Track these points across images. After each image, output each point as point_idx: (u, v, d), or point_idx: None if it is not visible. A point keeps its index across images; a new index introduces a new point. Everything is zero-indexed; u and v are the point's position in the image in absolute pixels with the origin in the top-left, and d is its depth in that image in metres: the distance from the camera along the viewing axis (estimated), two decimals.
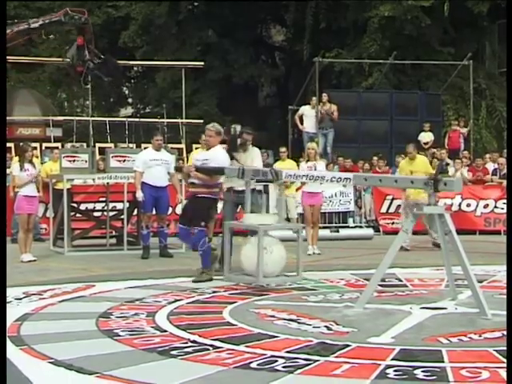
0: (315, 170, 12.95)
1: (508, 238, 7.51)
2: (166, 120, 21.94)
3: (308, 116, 20.31)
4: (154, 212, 12.86)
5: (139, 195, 12.57)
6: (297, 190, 15.46)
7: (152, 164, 12.68)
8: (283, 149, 17.43)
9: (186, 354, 5.79)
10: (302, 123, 20.40)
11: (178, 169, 12.12)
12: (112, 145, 19.92)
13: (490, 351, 5.77)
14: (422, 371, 5.21)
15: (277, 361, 5.52)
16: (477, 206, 17.25)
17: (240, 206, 10.88)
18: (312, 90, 22.09)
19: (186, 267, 11.08)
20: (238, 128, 11.07)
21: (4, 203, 11.65)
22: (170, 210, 15.21)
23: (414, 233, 12.87)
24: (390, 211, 17.48)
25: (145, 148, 14.89)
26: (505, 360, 5.43)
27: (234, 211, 10.97)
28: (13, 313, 6.41)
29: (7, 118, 20.12)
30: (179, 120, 22.36)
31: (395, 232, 12.17)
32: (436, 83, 25.14)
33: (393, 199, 17.45)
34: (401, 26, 24.38)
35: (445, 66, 24.15)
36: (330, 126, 20.15)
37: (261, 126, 30.54)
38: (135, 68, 32.89)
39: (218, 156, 9.74)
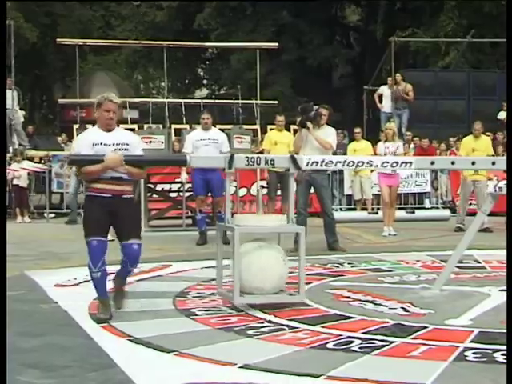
0: (396, 150, 12.91)
1: (508, 238, 7.32)
2: (240, 101, 21.96)
3: (386, 96, 20.18)
4: (208, 195, 12.25)
5: (182, 177, 12.33)
6: (372, 171, 15.36)
7: (199, 144, 11.88)
8: (358, 129, 17.34)
9: (262, 333, 5.82)
10: (380, 102, 20.29)
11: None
12: (187, 126, 20.05)
13: None
14: (502, 354, 5.12)
15: (353, 341, 5.51)
16: None
17: (313, 187, 10.87)
18: (387, 69, 21.88)
19: None
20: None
21: (4, 201, 11.67)
22: (245, 191, 15.33)
23: (492, 214, 12.76)
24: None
25: (221, 129, 14.72)
26: None
27: (307, 192, 10.95)
28: (92, 291, 6.53)
29: (86, 100, 20.58)
30: (254, 101, 22.36)
31: (472, 213, 12.01)
32: None
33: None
34: (479, 3, 23.89)
35: None
36: (404, 106, 19.96)
37: (336, 106, 30.33)
38: (210, 50, 33.04)
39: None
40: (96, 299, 6.56)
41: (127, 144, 6.49)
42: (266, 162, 6.98)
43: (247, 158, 6.97)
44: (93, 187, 6.37)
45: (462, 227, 13.15)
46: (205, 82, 36.61)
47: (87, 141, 6.39)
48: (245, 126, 18.59)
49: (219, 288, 7.21)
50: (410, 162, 7.14)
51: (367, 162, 7.33)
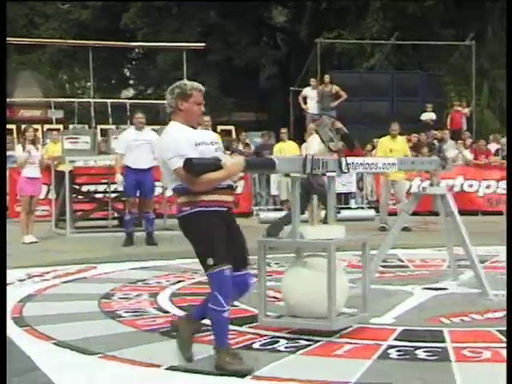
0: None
1: (508, 237, 7.51)
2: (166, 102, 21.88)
3: (310, 97, 20.31)
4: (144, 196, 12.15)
5: (117, 179, 12.04)
6: None
7: (133, 145, 11.78)
8: (284, 130, 17.46)
9: None
10: (305, 104, 20.42)
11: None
12: (114, 126, 19.89)
13: (492, 331, 5.77)
14: (424, 351, 5.22)
15: (279, 341, 5.54)
16: (479, 186, 17.24)
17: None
18: (313, 71, 22.06)
19: (187, 249, 11.10)
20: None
21: (4, 200, 11.55)
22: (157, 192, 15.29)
23: (415, 213, 12.94)
24: (391, 192, 17.44)
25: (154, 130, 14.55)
26: (505, 339, 5.45)
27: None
28: (15, 294, 6.44)
29: (8, 99, 20.19)
30: None
31: (397, 213, 12.19)
32: (438, 64, 25.10)
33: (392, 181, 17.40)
34: (403, 5, 24.28)
35: (446, 46, 24.09)
36: (331, 107, 20.13)
37: (262, 107, 30.56)
38: (136, 50, 32.82)
39: None
40: (218, 348, 5.00)
41: (217, 143, 5.26)
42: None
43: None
44: (205, 200, 4.93)
45: (386, 227, 13.35)
46: (131, 82, 36.34)
47: (188, 140, 4.97)
48: None
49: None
50: (394, 164, 7.12)
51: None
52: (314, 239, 5.78)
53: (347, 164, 6.16)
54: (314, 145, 11.10)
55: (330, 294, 5.50)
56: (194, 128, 5.12)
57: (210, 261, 4.90)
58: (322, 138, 8.66)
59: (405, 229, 12.79)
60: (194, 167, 4.82)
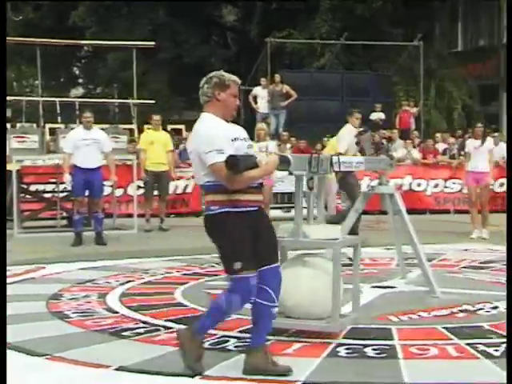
0: (266, 150, 12.99)
1: (508, 237, 7.62)
2: (116, 100, 21.75)
3: (261, 96, 20.33)
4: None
5: (66, 179, 11.92)
6: None
7: (81, 144, 11.66)
8: None
9: (138, 334, 5.79)
10: (255, 103, 20.44)
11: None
12: (62, 125, 19.69)
13: (439, 328, 5.85)
14: (373, 349, 5.27)
15: (228, 341, 5.54)
16: (427, 185, 17.42)
17: None
18: (264, 70, 22.10)
19: (136, 248, 11.07)
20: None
21: (4, 202, 11.34)
22: (122, 191, 15.22)
23: (365, 212, 13.09)
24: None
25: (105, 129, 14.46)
26: (453, 337, 5.53)
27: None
28: None
29: None
30: (130, 100, 22.17)
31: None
32: (387, 64, 25.31)
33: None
34: (352, 6, 24.44)
35: (395, 46, 24.31)
36: (281, 106, 20.21)
37: None
38: (86, 48, 32.52)
39: None
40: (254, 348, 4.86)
41: (249, 139, 5.05)
42: None
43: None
44: (237, 199, 4.72)
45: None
46: (80, 80, 36.01)
47: (225, 134, 4.75)
48: (121, 126, 18.41)
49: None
50: (362, 162, 7.05)
51: None
52: (318, 239, 5.70)
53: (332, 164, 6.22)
54: (342, 144, 11.34)
55: (335, 294, 5.45)
56: (227, 121, 4.91)
57: (238, 265, 4.68)
58: (363, 152, 9.04)
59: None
60: (239, 165, 4.58)
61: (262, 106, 20.28)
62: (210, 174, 4.70)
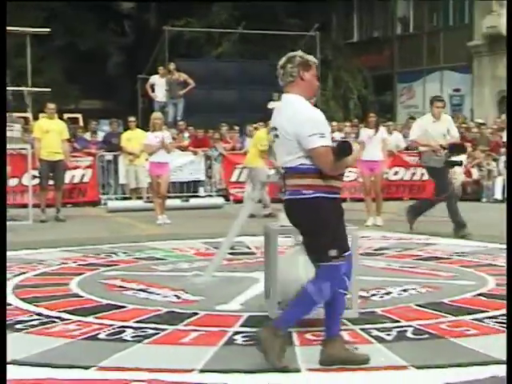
0: (163, 139, 12.93)
1: (508, 237, 7.74)
2: (10, 88, 21.18)
3: (158, 85, 20.20)
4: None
5: None
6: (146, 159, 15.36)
7: None
8: (132, 118, 17.33)
9: (32, 327, 5.67)
10: (153, 92, 20.29)
11: None
12: None
13: None
14: None
15: (125, 331, 5.48)
16: None
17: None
18: (162, 58, 21.95)
19: (31, 239, 10.85)
20: None
21: (4, 202, 10.84)
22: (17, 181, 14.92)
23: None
24: (240, 180, 17.66)
25: None
26: (348, 323, 5.61)
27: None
28: None
29: None
30: (24, 88, 21.67)
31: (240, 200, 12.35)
32: (284, 53, 25.47)
33: (243, 168, 17.63)
34: None
35: (293, 36, 24.51)
36: (179, 95, 20.12)
37: (110, 94, 30.13)
38: None
39: None
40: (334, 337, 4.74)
41: None
42: None
43: None
44: (331, 185, 4.59)
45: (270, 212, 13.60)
46: None
47: (323, 118, 4.68)
48: (15, 114, 18.00)
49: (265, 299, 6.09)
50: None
51: None
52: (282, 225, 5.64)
53: None
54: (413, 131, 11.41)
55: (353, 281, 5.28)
56: None
57: (334, 252, 4.53)
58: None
59: (269, 215, 13.24)
60: (347, 151, 4.51)
61: (160, 94, 20.16)
62: (305, 157, 4.56)
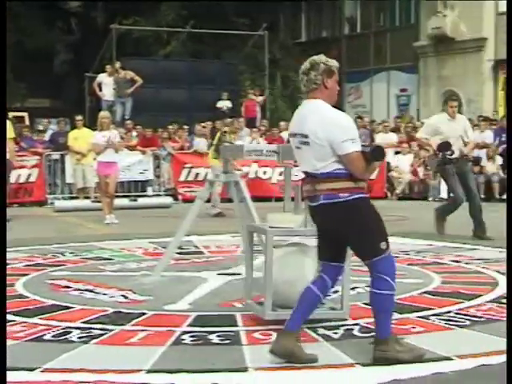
0: (109, 139, 12.86)
1: (508, 236, 7.78)
2: None
3: (106, 84, 20.06)
4: None
5: None
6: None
7: None
8: (79, 117, 17.19)
9: None
10: (100, 91, 20.14)
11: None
12: None
13: None
14: (217, 336, 5.30)
15: (71, 332, 5.43)
16: (272, 173, 17.70)
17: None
18: (109, 57, 21.80)
19: None
20: None
21: (4, 201, 10.58)
22: None
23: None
24: (188, 179, 17.63)
25: None
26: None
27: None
28: None
29: None
30: None
31: (194, 200, 12.31)
32: (233, 53, 25.51)
33: (191, 168, 17.63)
34: None
35: (242, 36, 24.53)
36: (127, 94, 20.01)
37: (57, 93, 29.83)
38: None
39: None
40: (386, 338, 4.71)
41: None
42: None
43: None
44: (362, 186, 4.74)
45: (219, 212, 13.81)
46: None
47: (353, 123, 4.82)
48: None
49: (248, 300, 6.03)
50: (278, 153, 6.70)
51: None
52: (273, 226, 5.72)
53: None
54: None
55: (344, 283, 5.56)
56: None
57: (384, 245, 4.67)
58: None
59: (218, 215, 13.59)
60: (381, 156, 4.74)
61: (108, 93, 20.02)
62: (338, 162, 4.65)
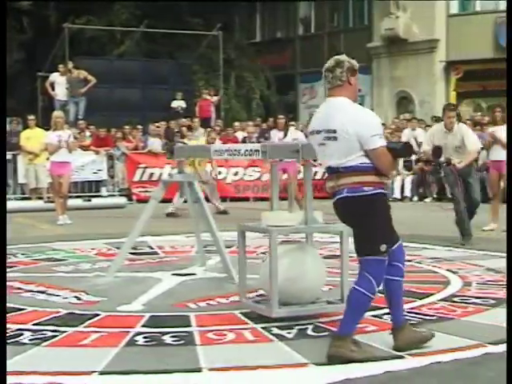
0: (61, 139, 12.79)
1: (508, 235, 7.76)
2: None
3: (59, 83, 19.89)
4: None
5: None
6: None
7: None
8: (32, 116, 17.01)
9: None
10: (53, 90, 19.96)
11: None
12: None
13: (236, 314, 5.95)
14: (171, 336, 5.29)
15: (23, 334, 5.38)
16: (227, 173, 17.70)
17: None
18: (62, 56, 21.60)
19: None
20: None
21: (4, 200, 10.33)
22: None
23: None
24: (142, 179, 17.55)
25: None
26: (249, 321, 5.66)
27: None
28: None
29: None
30: None
31: (148, 200, 12.26)
32: (188, 53, 25.43)
33: (145, 168, 17.55)
34: None
35: (196, 36, 24.47)
36: (81, 93, 19.86)
37: (9, 92, 29.46)
38: None
39: None
40: (345, 335, 4.78)
41: None
42: None
43: None
44: (383, 182, 4.87)
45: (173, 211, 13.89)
46: None
47: (378, 119, 4.98)
48: None
49: (243, 298, 6.07)
50: (265, 152, 6.48)
51: None
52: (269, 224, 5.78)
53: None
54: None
55: (343, 278, 5.77)
56: None
57: (384, 247, 4.72)
58: None
59: (171, 215, 13.62)
60: (409, 152, 5.04)
61: (61, 93, 19.85)
62: (364, 156, 4.74)
